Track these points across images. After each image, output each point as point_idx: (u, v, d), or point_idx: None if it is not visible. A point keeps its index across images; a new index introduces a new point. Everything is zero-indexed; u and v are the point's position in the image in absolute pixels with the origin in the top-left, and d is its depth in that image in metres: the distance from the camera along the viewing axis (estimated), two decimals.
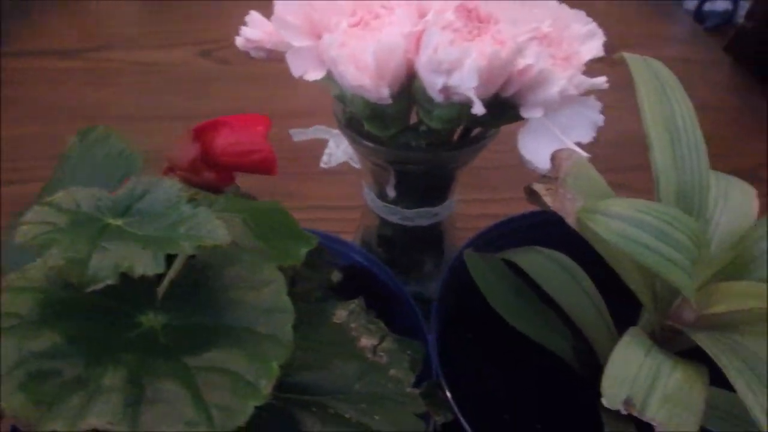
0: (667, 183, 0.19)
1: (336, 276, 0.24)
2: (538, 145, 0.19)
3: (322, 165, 0.26)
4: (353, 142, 0.22)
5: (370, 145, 0.21)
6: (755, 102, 0.60)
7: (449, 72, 0.16)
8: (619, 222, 0.16)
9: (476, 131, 0.22)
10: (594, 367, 0.22)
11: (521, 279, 0.25)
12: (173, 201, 0.13)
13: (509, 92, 0.18)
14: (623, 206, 0.17)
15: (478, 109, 0.17)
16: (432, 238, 0.27)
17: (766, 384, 0.15)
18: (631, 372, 0.17)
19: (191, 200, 0.13)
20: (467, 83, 0.16)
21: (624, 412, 0.16)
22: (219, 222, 0.12)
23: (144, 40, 0.52)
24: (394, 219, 0.24)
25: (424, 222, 0.25)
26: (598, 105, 0.20)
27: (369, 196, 0.25)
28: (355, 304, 0.19)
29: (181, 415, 0.11)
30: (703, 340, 0.16)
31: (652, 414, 0.16)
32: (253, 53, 0.20)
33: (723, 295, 0.18)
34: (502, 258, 0.25)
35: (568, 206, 0.17)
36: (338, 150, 0.25)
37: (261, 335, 0.13)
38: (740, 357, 0.16)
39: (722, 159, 0.52)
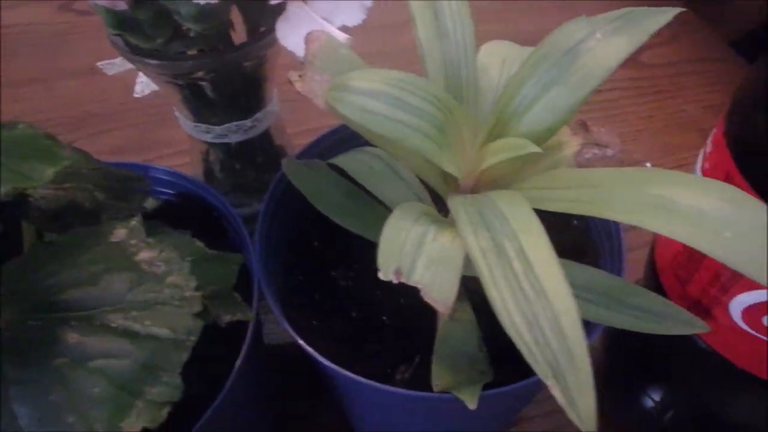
0: (432, 57, 0.19)
1: (150, 203, 0.24)
2: (297, 33, 0.18)
3: (135, 95, 0.25)
4: (132, 62, 0.21)
5: (149, 61, 0.21)
6: None
7: None
8: (356, 96, 0.16)
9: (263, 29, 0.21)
10: None
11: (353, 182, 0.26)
12: None
13: None
14: (361, 79, 0.16)
15: None
16: (268, 154, 0.27)
17: (492, 231, 0.15)
18: (399, 242, 0.17)
19: None
20: None
21: (396, 282, 0.17)
22: None
23: None
24: (208, 138, 0.24)
25: (240, 137, 0.24)
26: None
27: (180, 119, 0.24)
28: (136, 221, 0.19)
29: None
30: (454, 202, 0.17)
31: (417, 278, 0.16)
32: None
33: (485, 156, 0.18)
34: (329, 163, 0.25)
35: (316, 89, 0.17)
36: (147, 77, 0.25)
37: None
38: (478, 210, 0.16)
39: None
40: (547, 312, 0.13)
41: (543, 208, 0.17)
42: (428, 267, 0.17)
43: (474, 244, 0.15)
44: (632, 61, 0.48)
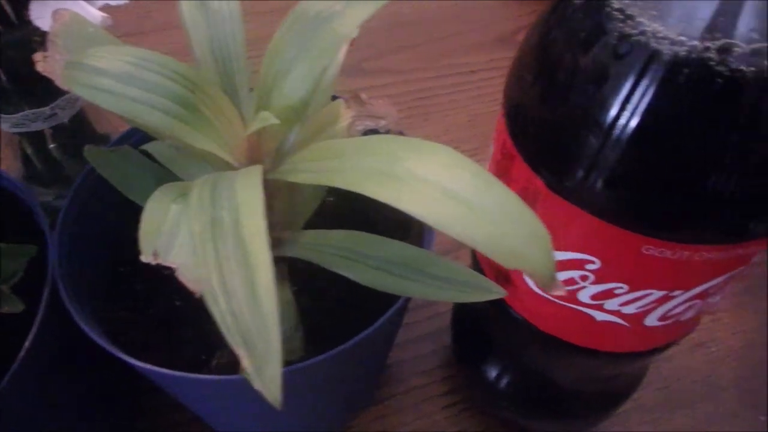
0: (199, 36, 0.19)
1: None
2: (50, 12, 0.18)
3: None
4: None
5: None
6: None
7: None
8: (89, 74, 0.16)
9: None
10: None
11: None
12: None
13: None
14: (97, 57, 0.16)
15: None
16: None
17: (217, 206, 0.15)
18: (156, 223, 0.17)
19: None
20: None
21: (154, 263, 0.17)
22: None
23: None
24: (5, 128, 0.23)
25: (41, 126, 0.23)
26: None
27: None
28: None
29: None
30: (198, 180, 0.17)
31: (172, 259, 0.16)
32: None
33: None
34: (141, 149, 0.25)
35: (56, 68, 0.17)
36: None
37: None
38: (213, 185, 0.16)
39: (485, 27, 0.53)
40: (247, 283, 0.13)
41: (292, 180, 0.17)
42: (183, 247, 0.17)
43: (195, 218, 0.15)
44: (507, 41, 0.49)
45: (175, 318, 0.25)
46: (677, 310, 0.20)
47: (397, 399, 0.33)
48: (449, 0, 0.53)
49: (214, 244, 0.14)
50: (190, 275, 0.16)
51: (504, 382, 0.28)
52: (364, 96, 0.19)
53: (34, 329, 0.20)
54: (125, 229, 0.26)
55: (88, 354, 0.25)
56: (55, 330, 0.21)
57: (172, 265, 0.16)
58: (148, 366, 0.20)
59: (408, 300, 0.22)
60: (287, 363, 0.21)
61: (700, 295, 0.20)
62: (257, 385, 0.13)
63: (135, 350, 0.21)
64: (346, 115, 0.19)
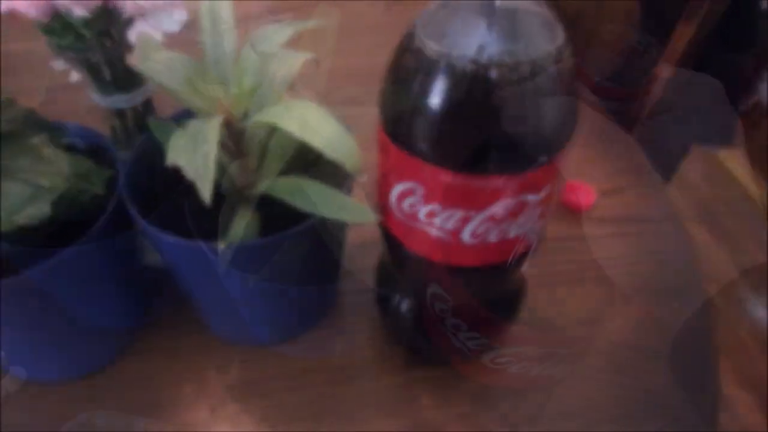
0: (210, 49, 0.36)
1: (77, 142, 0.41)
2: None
3: (71, 81, 0.43)
4: (60, 56, 0.39)
5: (69, 54, 0.38)
6: None
7: None
8: (150, 62, 0.33)
9: None
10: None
11: None
12: None
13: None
14: (155, 55, 0.33)
15: (77, 12, 0.33)
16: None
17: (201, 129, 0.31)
18: (175, 145, 0.33)
19: None
20: None
21: (173, 165, 0.33)
22: None
23: None
24: (107, 103, 0.41)
25: (124, 105, 0.42)
26: (184, 13, 0.37)
27: (92, 95, 0.42)
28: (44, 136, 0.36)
29: None
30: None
31: (182, 163, 0.33)
32: None
33: None
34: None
35: (137, 60, 0.34)
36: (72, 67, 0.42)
37: None
38: (202, 122, 0.32)
39: None
40: (201, 155, 0.29)
41: (247, 123, 0.33)
42: (192, 158, 0.33)
43: (187, 135, 0.31)
44: None
45: (186, 218, 0.41)
46: (481, 230, 0.34)
47: (335, 328, 0.47)
48: None
49: (194, 145, 0.30)
50: (191, 173, 0.32)
51: (403, 307, 0.42)
52: (296, 87, 0.35)
53: (106, 213, 0.37)
54: (163, 165, 0.44)
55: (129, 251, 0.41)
56: (117, 222, 0.38)
57: (183, 168, 0.33)
58: (160, 233, 0.36)
59: (321, 219, 0.37)
60: None
61: (491, 218, 0.33)
62: (201, 192, 0.28)
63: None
64: (285, 96, 0.35)
